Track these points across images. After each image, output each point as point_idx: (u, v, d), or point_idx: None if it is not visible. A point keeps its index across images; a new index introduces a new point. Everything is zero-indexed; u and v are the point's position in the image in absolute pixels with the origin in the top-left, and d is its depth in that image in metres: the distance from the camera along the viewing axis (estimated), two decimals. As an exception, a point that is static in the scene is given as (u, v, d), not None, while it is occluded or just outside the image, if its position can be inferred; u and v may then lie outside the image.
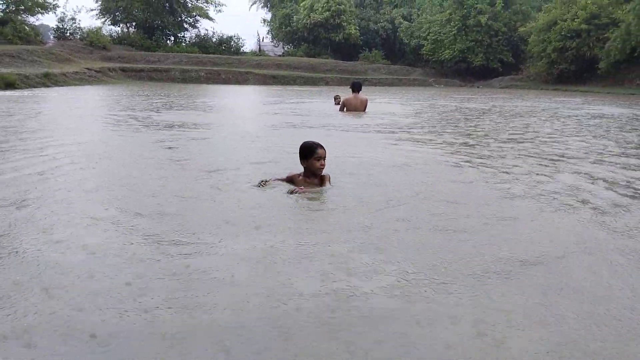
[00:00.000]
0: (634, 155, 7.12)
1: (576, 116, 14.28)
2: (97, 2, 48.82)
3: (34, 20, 40.72)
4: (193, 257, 2.94)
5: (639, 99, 25.13)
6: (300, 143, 4.58)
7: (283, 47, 58.25)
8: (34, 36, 37.91)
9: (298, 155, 4.57)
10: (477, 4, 44.40)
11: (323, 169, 4.53)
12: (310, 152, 4.46)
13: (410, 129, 10.39)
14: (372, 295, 2.44)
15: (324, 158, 4.49)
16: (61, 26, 42.42)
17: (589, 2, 36.61)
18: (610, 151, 7.48)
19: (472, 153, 7.10)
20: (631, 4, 32.73)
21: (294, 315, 2.22)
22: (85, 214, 3.78)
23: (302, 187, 4.38)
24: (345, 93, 14.77)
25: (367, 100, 13.27)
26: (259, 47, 58.72)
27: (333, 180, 4.61)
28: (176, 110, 14.21)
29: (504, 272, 2.75)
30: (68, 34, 42.45)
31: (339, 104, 14.49)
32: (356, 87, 13.19)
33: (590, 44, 36.42)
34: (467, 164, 6.19)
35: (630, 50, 33.19)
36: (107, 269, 2.73)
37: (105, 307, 2.27)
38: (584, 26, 36.12)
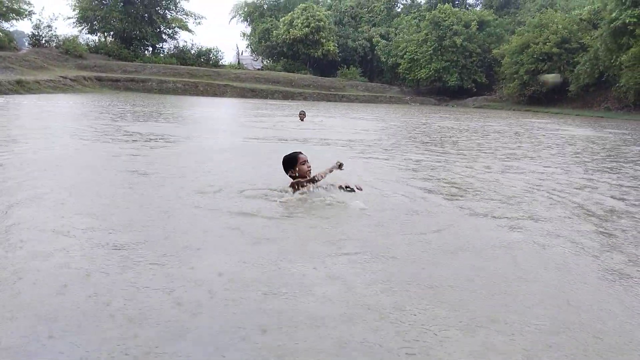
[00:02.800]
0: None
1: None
2: (74, 10, 48.49)
3: (8, 26, 40.33)
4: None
5: (606, 122, 25.97)
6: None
7: (262, 61, 58.63)
8: (8, 42, 37.36)
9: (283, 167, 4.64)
10: (452, 25, 45.57)
11: (311, 170, 4.58)
12: (294, 160, 4.56)
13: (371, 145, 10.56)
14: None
15: (308, 161, 4.59)
16: (36, 33, 41.96)
17: (559, 27, 37.93)
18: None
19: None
20: (599, 31, 34.02)
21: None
22: (30, 223, 3.71)
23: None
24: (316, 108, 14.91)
25: None
26: (238, 61, 58.96)
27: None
28: (148, 121, 14.14)
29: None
30: (43, 42, 41.98)
31: (302, 119, 14.73)
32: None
33: (561, 67, 37.67)
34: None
35: (599, 75, 34.44)
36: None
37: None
38: (555, 50, 37.36)
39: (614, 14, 31.05)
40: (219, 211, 4.12)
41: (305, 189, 4.44)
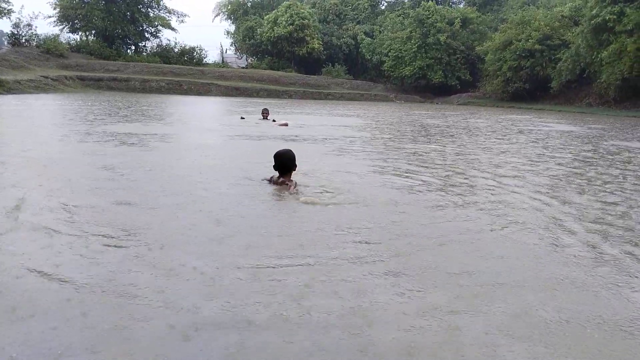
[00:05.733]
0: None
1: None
2: (55, 9, 47.75)
3: (-14, 25, 39.50)
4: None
5: (587, 117, 26.30)
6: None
7: (246, 60, 58.29)
8: (-14, 41, 36.68)
9: (282, 162, 5.07)
10: (436, 22, 45.73)
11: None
12: (295, 162, 5.16)
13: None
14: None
15: None
16: (16, 32, 41.19)
17: (541, 23, 38.24)
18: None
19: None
20: (579, 28, 34.40)
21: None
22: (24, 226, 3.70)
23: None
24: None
25: None
26: (222, 59, 58.56)
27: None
28: (128, 121, 14.00)
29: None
30: (23, 41, 41.24)
31: (265, 118, 14.52)
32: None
33: (544, 63, 37.96)
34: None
35: (580, 71, 34.80)
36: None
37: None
38: (537, 46, 37.64)
39: (594, 11, 31.40)
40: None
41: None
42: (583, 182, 6.35)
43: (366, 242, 3.48)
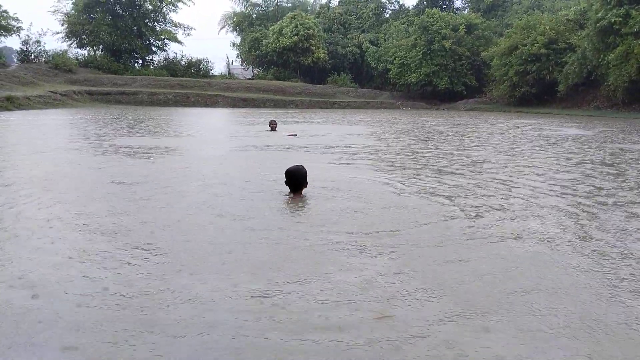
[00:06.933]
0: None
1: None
2: (63, 25, 48.42)
3: (-4, 42, 40.13)
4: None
5: (595, 120, 26.14)
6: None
7: (252, 70, 58.62)
8: (-4, 59, 37.22)
9: (292, 179, 5.07)
10: (441, 29, 45.76)
11: None
12: (306, 179, 5.15)
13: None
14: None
15: None
16: (25, 49, 41.80)
17: (547, 27, 38.13)
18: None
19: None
20: (585, 31, 34.29)
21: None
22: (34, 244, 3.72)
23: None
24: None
25: None
26: (229, 71, 58.94)
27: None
28: (138, 134, 14.09)
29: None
30: (32, 57, 41.81)
31: (273, 129, 14.40)
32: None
33: (550, 67, 37.78)
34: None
35: (587, 74, 34.63)
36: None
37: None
38: (543, 50, 37.52)
39: (599, 14, 31.32)
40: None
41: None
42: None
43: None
